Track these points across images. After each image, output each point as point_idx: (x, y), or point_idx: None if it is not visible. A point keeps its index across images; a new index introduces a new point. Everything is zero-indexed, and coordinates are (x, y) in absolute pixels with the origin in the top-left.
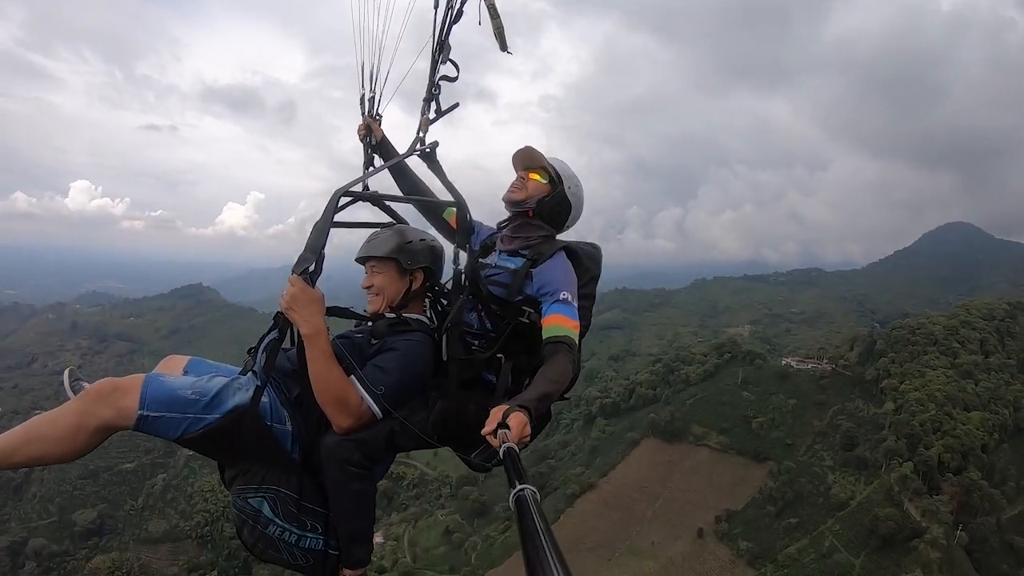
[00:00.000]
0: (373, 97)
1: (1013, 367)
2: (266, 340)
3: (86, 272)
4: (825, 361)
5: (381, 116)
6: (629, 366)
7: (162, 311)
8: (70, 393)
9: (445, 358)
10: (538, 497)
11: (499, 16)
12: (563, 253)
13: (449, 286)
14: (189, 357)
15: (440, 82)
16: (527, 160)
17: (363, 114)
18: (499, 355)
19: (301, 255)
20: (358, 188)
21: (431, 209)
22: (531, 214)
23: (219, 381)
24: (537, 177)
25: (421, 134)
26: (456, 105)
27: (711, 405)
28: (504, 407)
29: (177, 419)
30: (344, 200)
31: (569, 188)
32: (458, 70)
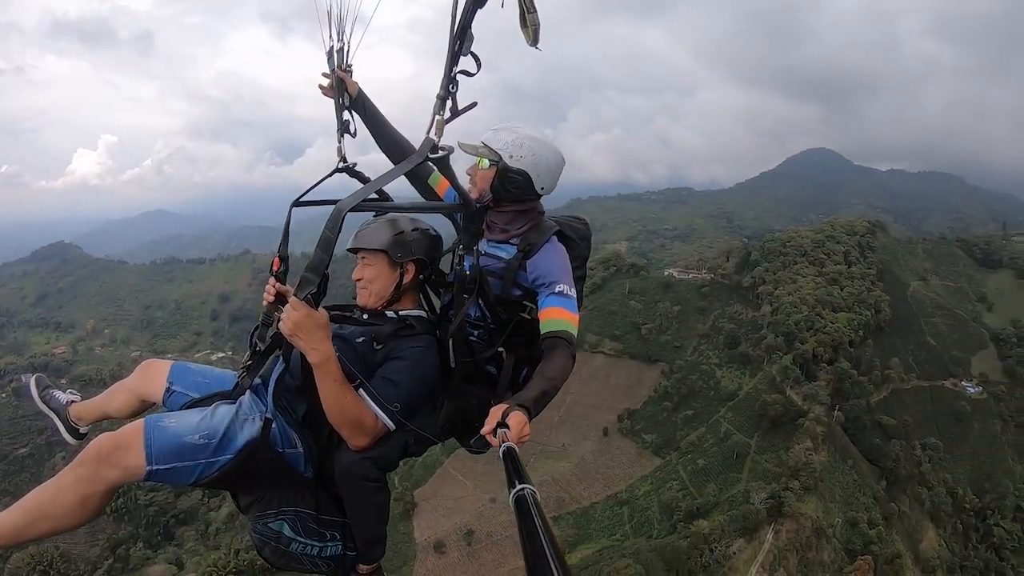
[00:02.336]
0: (343, 48)
1: (873, 275)
2: (274, 374)
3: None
4: (704, 271)
5: (351, 67)
6: None
7: (26, 276)
8: (40, 404)
9: (453, 364)
10: (538, 496)
11: (536, 10)
12: (555, 239)
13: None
14: (171, 363)
15: (457, 77)
16: (467, 154)
17: (332, 68)
18: (500, 349)
19: (303, 276)
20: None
21: (416, 174)
22: (493, 205)
23: (224, 415)
24: (482, 165)
25: (435, 136)
26: (474, 104)
27: (602, 315)
28: (503, 406)
29: (189, 467)
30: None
31: (511, 157)
32: (479, 64)
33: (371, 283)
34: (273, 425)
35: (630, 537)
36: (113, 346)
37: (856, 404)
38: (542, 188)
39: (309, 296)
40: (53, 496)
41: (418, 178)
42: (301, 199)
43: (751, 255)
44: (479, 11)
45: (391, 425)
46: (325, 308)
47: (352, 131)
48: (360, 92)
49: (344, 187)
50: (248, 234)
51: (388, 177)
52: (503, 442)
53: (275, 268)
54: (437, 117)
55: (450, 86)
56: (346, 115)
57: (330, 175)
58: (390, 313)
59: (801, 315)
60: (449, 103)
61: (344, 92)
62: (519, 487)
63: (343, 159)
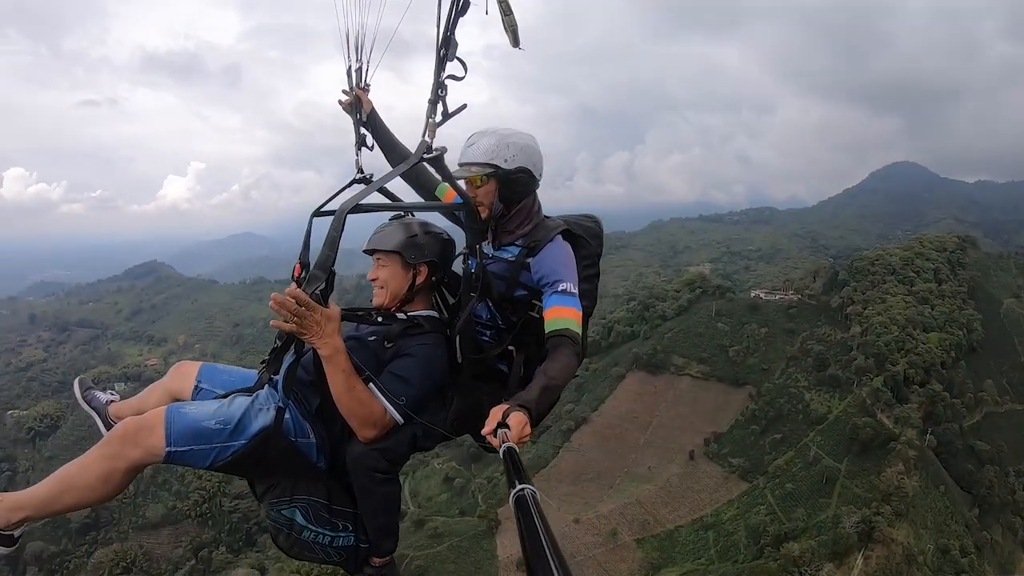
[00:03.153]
0: (361, 68)
1: (964, 293)
2: (285, 363)
3: (29, 263)
4: (791, 292)
5: (369, 86)
6: (597, 307)
7: (120, 293)
8: (82, 403)
9: (460, 360)
10: (538, 496)
11: (512, 12)
12: (559, 238)
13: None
14: (200, 364)
15: (446, 82)
16: (464, 176)
17: (351, 86)
18: (510, 347)
19: (312, 273)
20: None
21: (423, 185)
22: (505, 214)
23: (240, 404)
24: (478, 181)
25: (428, 139)
26: (464, 106)
27: (688, 337)
28: (504, 407)
29: (205, 450)
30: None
31: (505, 160)
32: (466, 69)
33: (386, 283)
34: (287, 415)
35: (715, 561)
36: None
37: (948, 428)
38: (539, 175)
39: (318, 292)
40: (80, 470)
41: (425, 189)
42: (321, 209)
43: (839, 275)
44: (463, 19)
45: (399, 418)
46: (343, 309)
47: (369, 145)
48: (373, 110)
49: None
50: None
51: (387, 178)
52: (503, 442)
53: (296, 274)
54: (429, 120)
55: (439, 90)
56: (362, 130)
57: (347, 186)
58: (400, 314)
59: (891, 336)
60: (440, 107)
61: (360, 109)
62: (519, 487)
63: (360, 170)
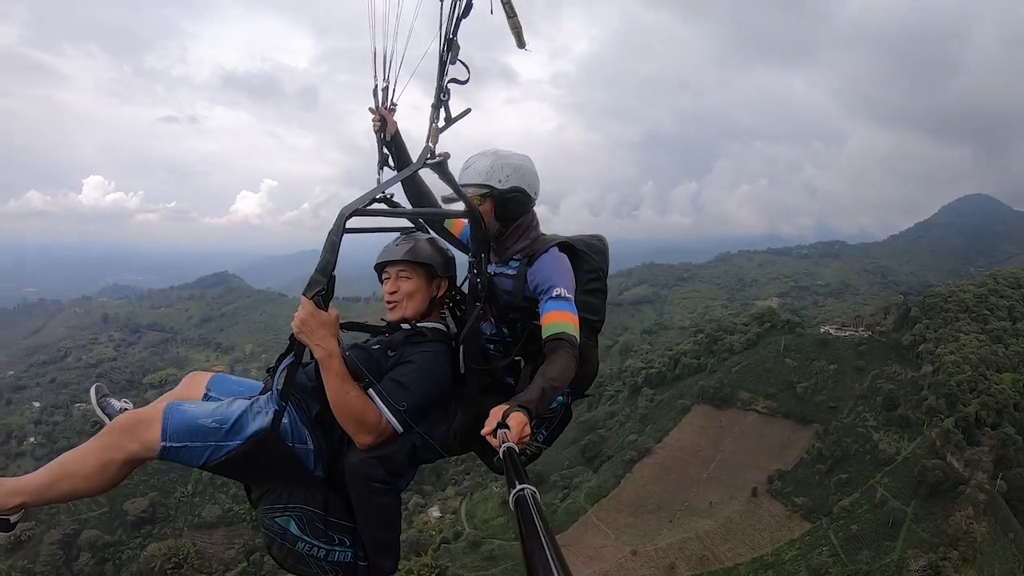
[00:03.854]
0: (387, 87)
1: None
2: (283, 363)
3: (105, 266)
4: (862, 328)
5: (395, 105)
6: (663, 339)
7: (192, 300)
8: (97, 410)
9: (463, 370)
10: (538, 497)
11: (516, 14)
12: (555, 249)
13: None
14: (211, 374)
15: (449, 86)
16: (458, 203)
17: (377, 106)
18: (517, 358)
19: (312, 277)
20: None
21: (424, 204)
22: (503, 233)
23: (239, 406)
24: (476, 202)
25: (431, 144)
26: (468, 111)
27: (756, 372)
28: (504, 407)
29: (199, 448)
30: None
31: (500, 181)
32: (469, 72)
33: (409, 297)
34: (285, 419)
35: None
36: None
37: (1020, 473)
38: (535, 193)
39: (318, 296)
40: (78, 459)
41: (435, 223)
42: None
43: (910, 311)
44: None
45: (396, 424)
46: (351, 322)
47: (391, 164)
48: (397, 131)
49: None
50: None
51: (388, 183)
52: (503, 442)
53: None
54: (432, 125)
55: (442, 95)
56: (384, 149)
57: (367, 204)
58: (405, 324)
59: (963, 375)
60: (443, 111)
61: (385, 129)
62: (519, 487)
63: (382, 190)
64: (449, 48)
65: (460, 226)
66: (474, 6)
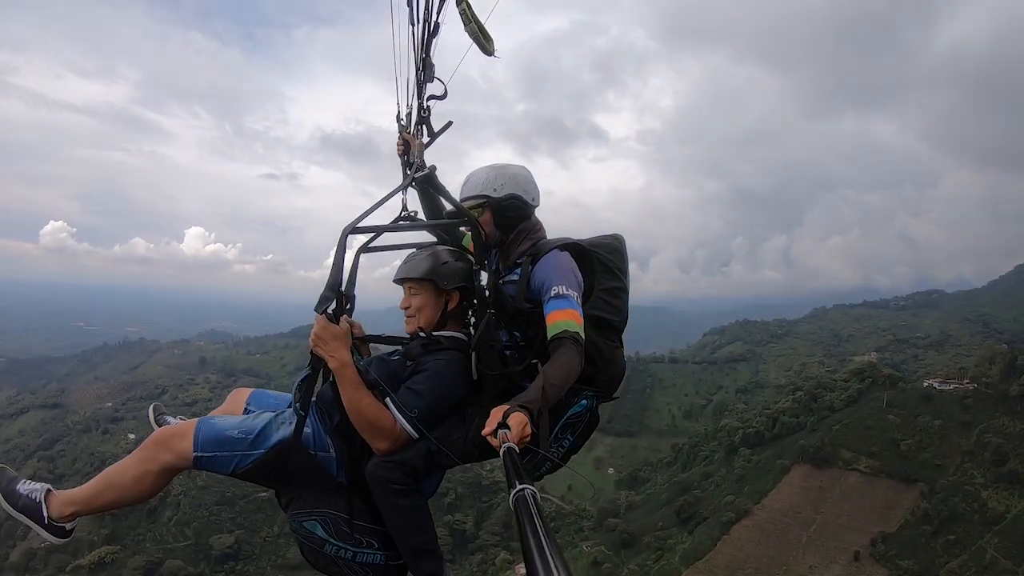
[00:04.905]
0: (410, 113)
1: None
2: (298, 378)
3: (202, 312)
4: (967, 380)
5: (420, 131)
6: (759, 397)
7: (287, 348)
8: (154, 425)
9: (475, 376)
10: (538, 497)
11: (472, 20)
12: (556, 250)
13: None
14: (252, 389)
15: (429, 103)
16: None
17: (400, 131)
18: (535, 361)
19: (322, 294)
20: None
21: (451, 234)
22: (504, 242)
23: (264, 418)
24: (476, 213)
25: (416, 160)
26: (450, 124)
27: (857, 430)
28: (504, 407)
29: (228, 456)
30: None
31: (495, 190)
32: (446, 88)
33: (419, 311)
34: (308, 429)
35: None
36: None
37: None
38: (532, 200)
39: (329, 311)
40: (119, 471)
41: (453, 239)
42: (367, 246)
43: (1017, 360)
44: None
45: (410, 430)
46: (373, 336)
47: (414, 185)
48: (422, 154)
49: (407, 235)
50: None
51: (384, 199)
52: (504, 442)
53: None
54: (417, 142)
55: (422, 111)
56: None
57: (394, 223)
58: (422, 333)
59: None
60: (425, 128)
61: (409, 151)
62: (519, 487)
63: (404, 207)
64: (424, 68)
65: (488, 238)
66: (441, 25)
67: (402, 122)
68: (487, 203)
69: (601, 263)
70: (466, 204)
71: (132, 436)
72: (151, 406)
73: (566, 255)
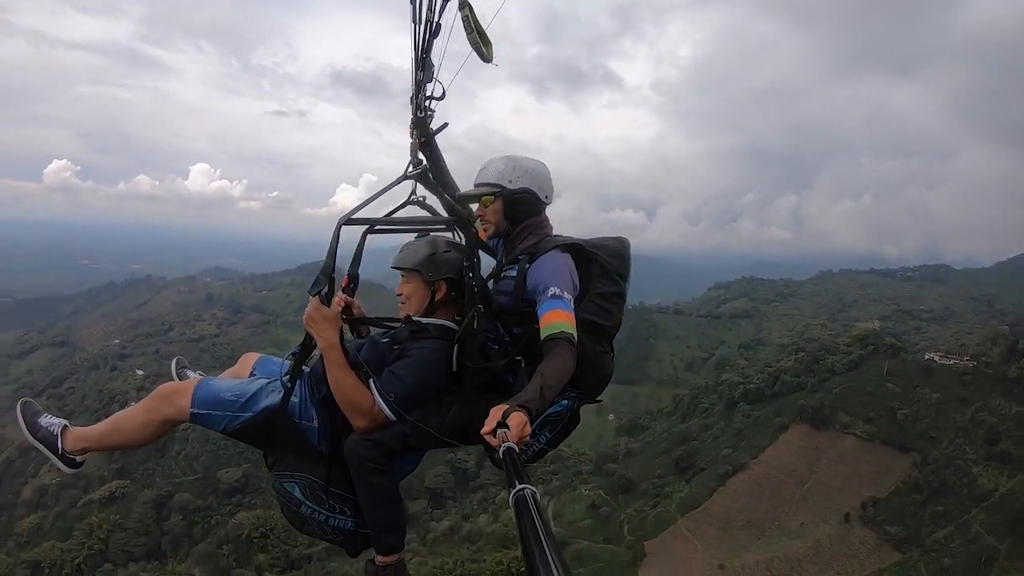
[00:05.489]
0: (424, 94)
1: None
2: (288, 352)
3: (207, 249)
4: (967, 358)
5: (434, 112)
6: (761, 355)
7: (292, 285)
8: (175, 377)
9: (454, 368)
10: (538, 497)
11: (475, 30)
12: (555, 250)
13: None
14: (260, 355)
15: (428, 103)
16: (471, 201)
17: (412, 113)
18: (519, 358)
19: (316, 278)
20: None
21: (462, 215)
22: (511, 231)
23: (258, 384)
24: (487, 201)
25: (411, 159)
26: (445, 125)
27: (856, 395)
28: (504, 407)
29: (220, 416)
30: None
31: (510, 182)
32: (444, 90)
33: (408, 299)
34: (295, 398)
35: None
36: None
37: None
38: (545, 196)
39: (321, 294)
40: (127, 417)
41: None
42: (373, 228)
43: (1019, 343)
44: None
45: (387, 412)
46: (367, 319)
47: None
48: (432, 137)
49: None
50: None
51: (379, 193)
52: (503, 442)
53: (344, 285)
54: (411, 140)
55: (418, 112)
56: (420, 155)
57: (401, 207)
58: (414, 319)
59: None
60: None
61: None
62: (519, 487)
63: (413, 192)
64: (422, 68)
65: (492, 229)
66: (442, 26)
67: (412, 106)
68: (500, 193)
69: (601, 266)
70: (479, 191)
71: (140, 372)
72: (174, 359)
73: (565, 256)
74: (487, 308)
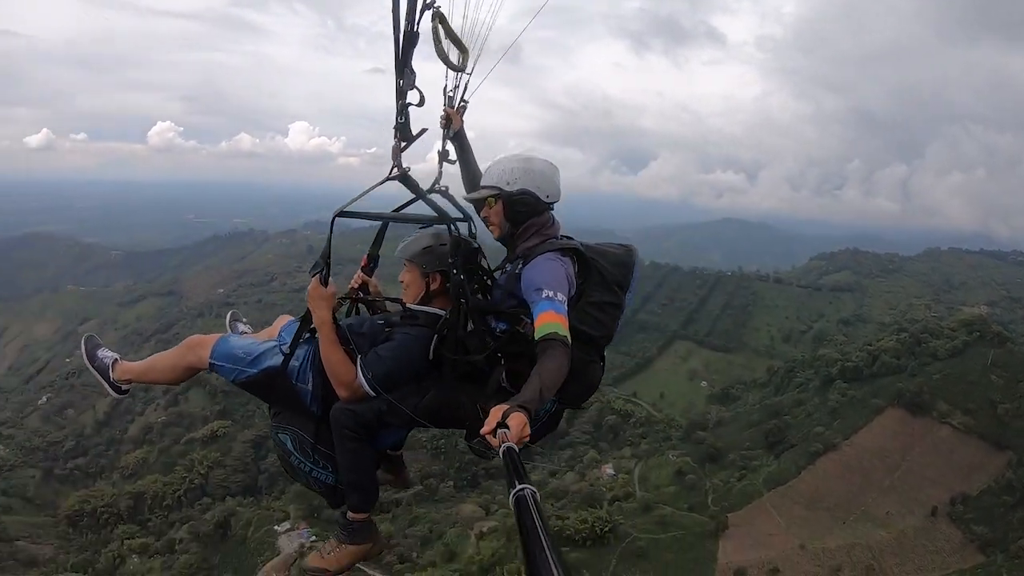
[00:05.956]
0: (456, 87)
1: None
2: (291, 321)
3: (305, 204)
4: None
5: (467, 104)
6: (860, 331)
7: (388, 240)
8: (228, 327)
9: (431, 357)
10: (538, 497)
11: (447, 36)
12: (552, 253)
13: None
14: (289, 319)
15: (408, 109)
16: (477, 205)
17: (445, 104)
18: (499, 355)
19: (316, 261)
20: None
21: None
22: (516, 231)
23: (267, 345)
24: (491, 203)
25: (394, 161)
26: (424, 130)
27: (958, 383)
28: (504, 407)
29: (231, 368)
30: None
31: (508, 184)
32: (422, 98)
33: (407, 287)
34: (295, 362)
35: None
36: None
37: None
38: (547, 197)
39: (319, 275)
40: (161, 360)
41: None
42: (400, 209)
43: None
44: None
45: (367, 388)
46: (369, 300)
47: (452, 160)
48: (461, 129)
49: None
50: (593, 236)
51: (370, 189)
52: (503, 442)
53: (363, 265)
54: (392, 144)
55: (399, 117)
56: (448, 145)
57: (428, 191)
58: (407, 306)
59: None
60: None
61: (450, 126)
62: (519, 487)
63: (436, 181)
64: (401, 75)
65: (497, 230)
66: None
67: (450, 95)
68: (499, 195)
69: (600, 274)
70: (481, 193)
71: (244, 321)
72: (229, 312)
73: (562, 261)
74: (469, 304)
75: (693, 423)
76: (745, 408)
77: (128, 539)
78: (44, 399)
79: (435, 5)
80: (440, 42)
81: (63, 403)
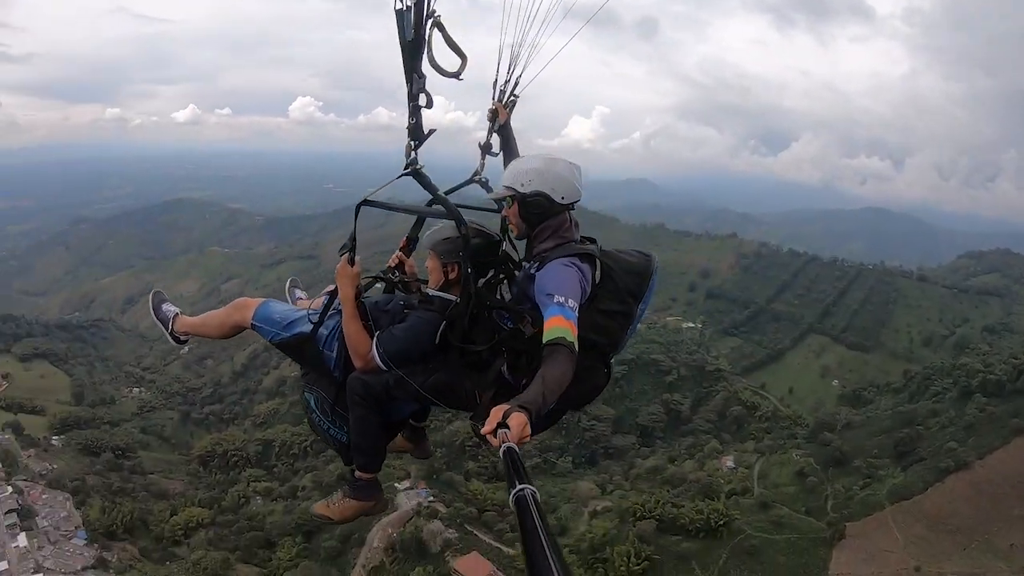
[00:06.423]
0: (508, 81)
1: None
2: (323, 293)
3: (444, 175)
4: None
5: (516, 98)
6: (1007, 342)
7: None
8: (287, 294)
9: (436, 342)
10: (538, 497)
11: (445, 41)
12: (566, 258)
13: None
14: (333, 286)
15: (418, 110)
16: (498, 204)
17: (493, 99)
18: (503, 349)
19: (344, 243)
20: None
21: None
22: (533, 231)
23: (301, 312)
24: (508, 203)
25: (406, 158)
26: (433, 131)
27: None
28: (504, 407)
29: (268, 330)
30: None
31: (522, 185)
32: (430, 101)
33: (431, 273)
34: (323, 331)
35: None
36: None
37: None
38: (562, 198)
39: (347, 254)
40: (213, 317)
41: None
42: (449, 191)
43: None
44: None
45: (378, 360)
46: (394, 281)
47: (495, 153)
48: (507, 122)
49: (474, 194)
50: (726, 218)
51: (391, 181)
52: (503, 442)
53: (403, 245)
54: (407, 143)
55: (411, 118)
56: (494, 137)
57: (466, 183)
58: (424, 290)
59: None
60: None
61: (496, 119)
62: (519, 487)
63: (477, 172)
64: (410, 80)
65: (516, 230)
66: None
67: (501, 89)
68: (515, 196)
69: (613, 282)
70: (499, 193)
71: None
72: (289, 279)
73: (575, 268)
74: (474, 297)
75: (820, 423)
76: (876, 413)
77: (254, 481)
78: (186, 349)
79: (436, 15)
80: (432, 51)
81: (203, 353)
